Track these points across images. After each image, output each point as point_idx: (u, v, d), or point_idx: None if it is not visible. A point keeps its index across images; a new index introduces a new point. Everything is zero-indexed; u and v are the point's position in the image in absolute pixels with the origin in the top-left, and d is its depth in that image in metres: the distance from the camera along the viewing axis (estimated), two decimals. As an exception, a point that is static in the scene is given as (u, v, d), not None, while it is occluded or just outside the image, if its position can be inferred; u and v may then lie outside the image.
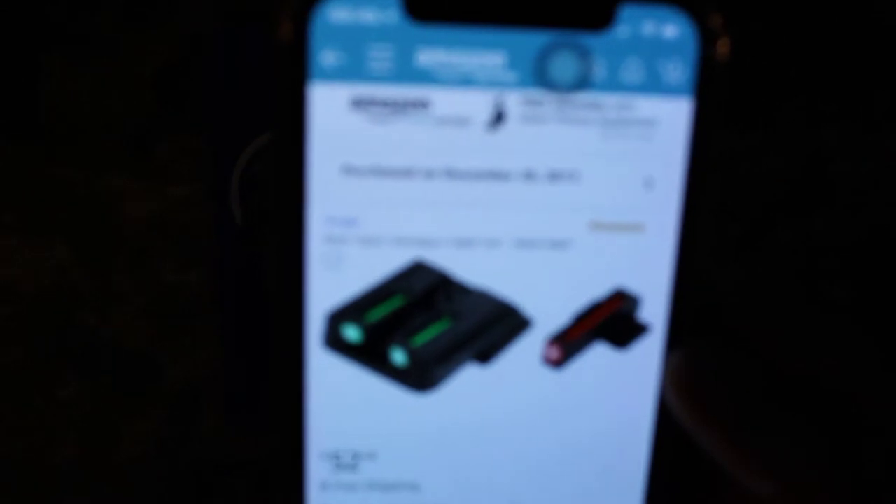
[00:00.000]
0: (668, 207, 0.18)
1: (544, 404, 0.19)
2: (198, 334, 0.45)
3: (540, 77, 0.18)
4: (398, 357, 0.19)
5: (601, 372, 0.19)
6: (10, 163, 0.43)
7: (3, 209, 0.43)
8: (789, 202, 0.46)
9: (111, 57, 0.43)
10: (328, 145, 0.17)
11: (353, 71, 0.17)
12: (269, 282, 0.19)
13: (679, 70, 0.18)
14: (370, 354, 0.19)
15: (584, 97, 0.18)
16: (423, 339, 0.19)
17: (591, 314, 0.19)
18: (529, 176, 0.18)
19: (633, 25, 0.17)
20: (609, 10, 0.17)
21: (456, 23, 0.17)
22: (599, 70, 0.18)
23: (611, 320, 0.19)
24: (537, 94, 0.18)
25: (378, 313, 0.19)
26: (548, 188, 0.18)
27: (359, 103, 0.17)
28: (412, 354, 0.19)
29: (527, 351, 0.19)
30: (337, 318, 0.18)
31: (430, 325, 0.19)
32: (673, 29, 0.17)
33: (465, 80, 0.17)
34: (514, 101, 0.18)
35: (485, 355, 0.19)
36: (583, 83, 0.18)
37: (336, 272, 0.18)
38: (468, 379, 0.19)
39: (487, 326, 0.19)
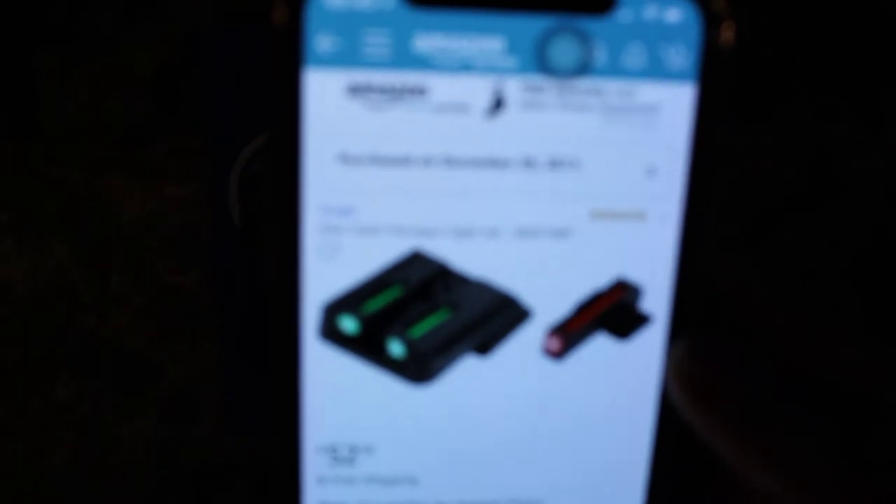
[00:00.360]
0: (671, 196, 0.18)
1: (544, 396, 0.19)
2: (196, 335, 0.45)
3: (540, 62, 0.17)
4: (396, 349, 0.19)
5: (602, 363, 0.19)
6: (8, 162, 0.43)
7: (1, 209, 0.43)
8: (794, 199, 0.45)
9: (110, 57, 0.42)
10: (324, 133, 0.17)
11: (349, 57, 0.17)
12: (266, 273, 0.18)
13: (682, 55, 0.17)
14: (367, 346, 0.18)
15: (584, 83, 0.17)
16: (421, 330, 0.19)
17: (593, 304, 0.18)
18: (529, 163, 0.18)
19: (635, 9, 0.17)
20: None
21: (454, 7, 0.17)
22: (600, 55, 0.17)
23: (612, 311, 0.18)
24: (537, 79, 0.17)
25: (375, 304, 0.19)
26: (548, 176, 0.18)
27: (355, 90, 0.17)
28: (410, 346, 0.18)
29: (527, 342, 0.19)
30: (333, 310, 0.18)
31: (429, 317, 0.19)
32: (676, 13, 0.17)
33: (464, 66, 0.17)
34: (513, 88, 0.17)
35: (484, 347, 0.19)
36: (583, 69, 0.17)
37: (332, 262, 0.18)
38: (467, 371, 0.19)
39: (486, 317, 0.19)
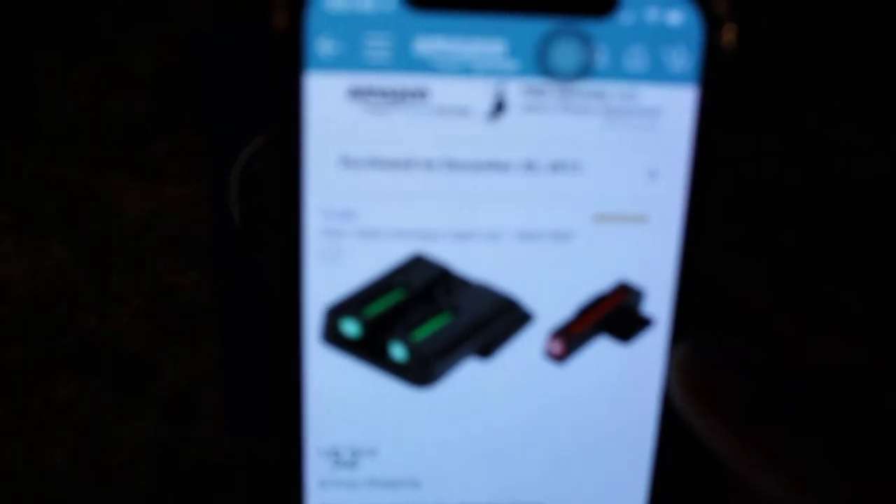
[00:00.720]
0: (673, 199, 0.18)
1: (546, 399, 0.19)
2: (196, 335, 0.44)
3: (541, 65, 0.17)
4: (398, 352, 0.18)
5: (604, 366, 0.19)
6: (8, 162, 0.43)
7: (1, 209, 0.43)
8: (796, 201, 0.45)
9: (110, 56, 0.42)
10: (325, 136, 0.17)
11: (350, 60, 0.17)
12: (267, 276, 0.18)
13: (684, 57, 0.17)
14: (369, 349, 0.18)
15: (586, 86, 0.17)
16: (422, 333, 0.19)
17: (595, 308, 0.18)
18: (531, 167, 0.18)
19: (637, 11, 0.17)
20: None
21: (455, 10, 0.17)
22: (602, 58, 0.17)
23: (614, 314, 0.18)
24: (539, 82, 0.17)
25: (377, 308, 0.18)
26: (549, 179, 0.18)
27: (356, 93, 0.17)
28: (412, 349, 0.18)
29: (529, 345, 0.19)
30: (335, 313, 0.18)
31: (430, 320, 0.19)
32: (677, 15, 0.17)
33: (465, 69, 0.17)
34: (515, 90, 0.17)
35: (486, 350, 0.19)
36: (585, 71, 0.17)
37: (334, 266, 0.18)
38: (469, 374, 0.19)
39: (488, 321, 0.19)
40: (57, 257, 0.44)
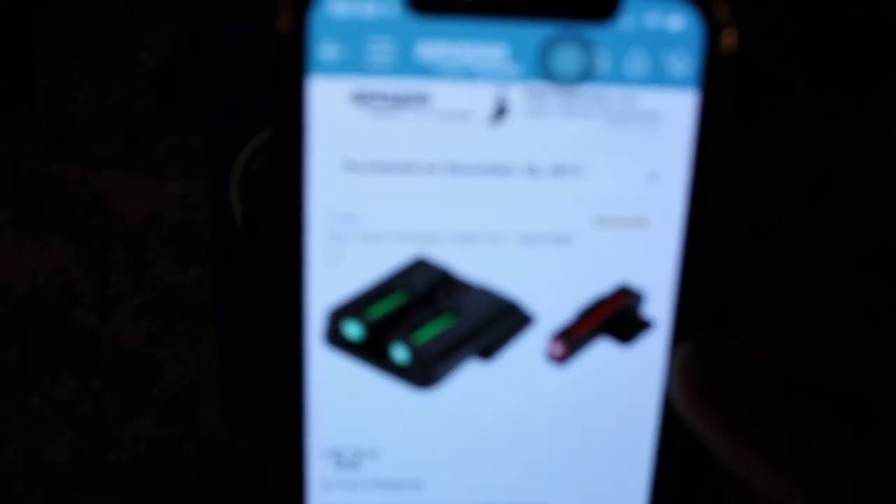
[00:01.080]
0: (673, 202, 0.18)
1: (547, 401, 0.19)
2: (196, 334, 0.45)
3: (543, 70, 0.17)
4: (400, 354, 0.19)
5: (605, 368, 0.19)
6: (8, 161, 0.43)
7: (0, 208, 0.43)
8: (795, 201, 0.46)
9: (109, 55, 0.42)
10: (328, 140, 0.17)
11: (353, 64, 0.17)
12: (270, 278, 0.18)
13: (684, 62, 0.17)
14: (372, 351, 0.19)
15: (587, 90, 0.17)
16: (424, 335, 0.19)
17: (595, 310, 0.18)
18: (532, 170, 0.18)
19: (638, 16, 0.17)
20: (613, 0, 0.17)
21: (458, 15, 0.17)
22: (603, 62, 0.17)
23: (615, 316, 0.18)
24: (540, 87, 0.17)
25: (379, 310, 0.19)
26: (551, 183, 0.18)
27: (359, 97, 0.17)
28: (414, 351, 0.19)
29: (530, 347, 0.19)
30: (338, 315, 0.18)
31: (432, 322, 0.19)
32: (678, 20, 0.17)
33: (467, 74, 0.17)
34: (516, 95, 0.17)
35: (487, 352, 0.19)
36: (586, 76, 0.17)
37: (337, 269, 0.18)
38: (471, 376, 0.19)
39: (489, 323, 0.19)
40: (56, 256, 0.44)
